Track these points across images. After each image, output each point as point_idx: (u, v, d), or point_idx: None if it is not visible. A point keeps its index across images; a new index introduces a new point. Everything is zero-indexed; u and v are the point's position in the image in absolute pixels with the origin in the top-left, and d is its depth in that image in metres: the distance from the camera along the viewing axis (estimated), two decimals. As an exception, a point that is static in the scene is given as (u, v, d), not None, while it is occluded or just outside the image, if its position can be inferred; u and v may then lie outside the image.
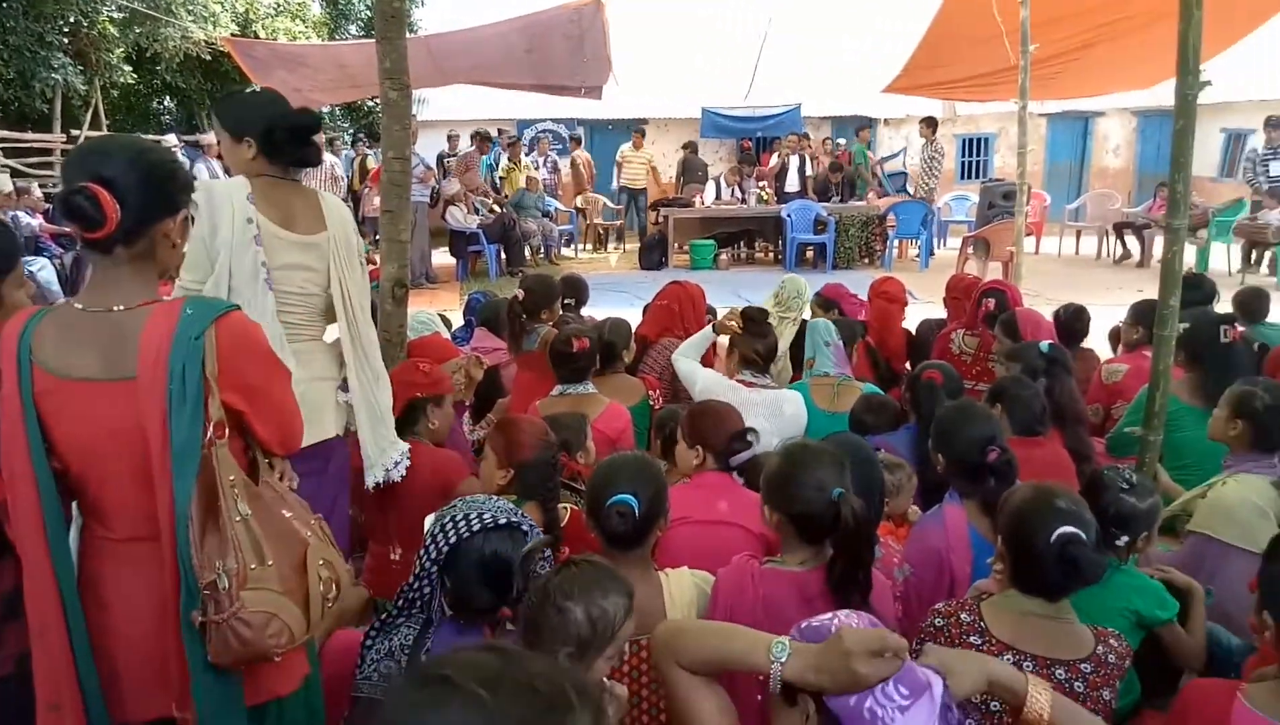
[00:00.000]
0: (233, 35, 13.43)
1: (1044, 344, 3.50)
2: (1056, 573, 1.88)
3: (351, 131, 16.64)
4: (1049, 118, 16.20)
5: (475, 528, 1.79)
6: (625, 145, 14.53)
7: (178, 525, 1.54)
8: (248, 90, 2.73)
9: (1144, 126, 16.55)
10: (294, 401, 1.82)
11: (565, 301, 4.69)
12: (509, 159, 12.82)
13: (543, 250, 12.82)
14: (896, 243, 12.39)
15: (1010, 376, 3.20)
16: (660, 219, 12.80)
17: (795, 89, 15.46)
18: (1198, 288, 4.43)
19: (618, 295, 9.34)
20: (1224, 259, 10.97)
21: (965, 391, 3.39)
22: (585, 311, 5.16)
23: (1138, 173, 16.67)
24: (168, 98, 16.83)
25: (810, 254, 12.44)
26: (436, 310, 5.18)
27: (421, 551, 1.82)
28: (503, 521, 1.81)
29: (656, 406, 3.72)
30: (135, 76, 14.65)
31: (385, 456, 2.64)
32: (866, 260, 12.10)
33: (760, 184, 12.91)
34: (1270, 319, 4.75)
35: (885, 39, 12.55)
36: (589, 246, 14.51)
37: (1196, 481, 2.99)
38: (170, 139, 11.48)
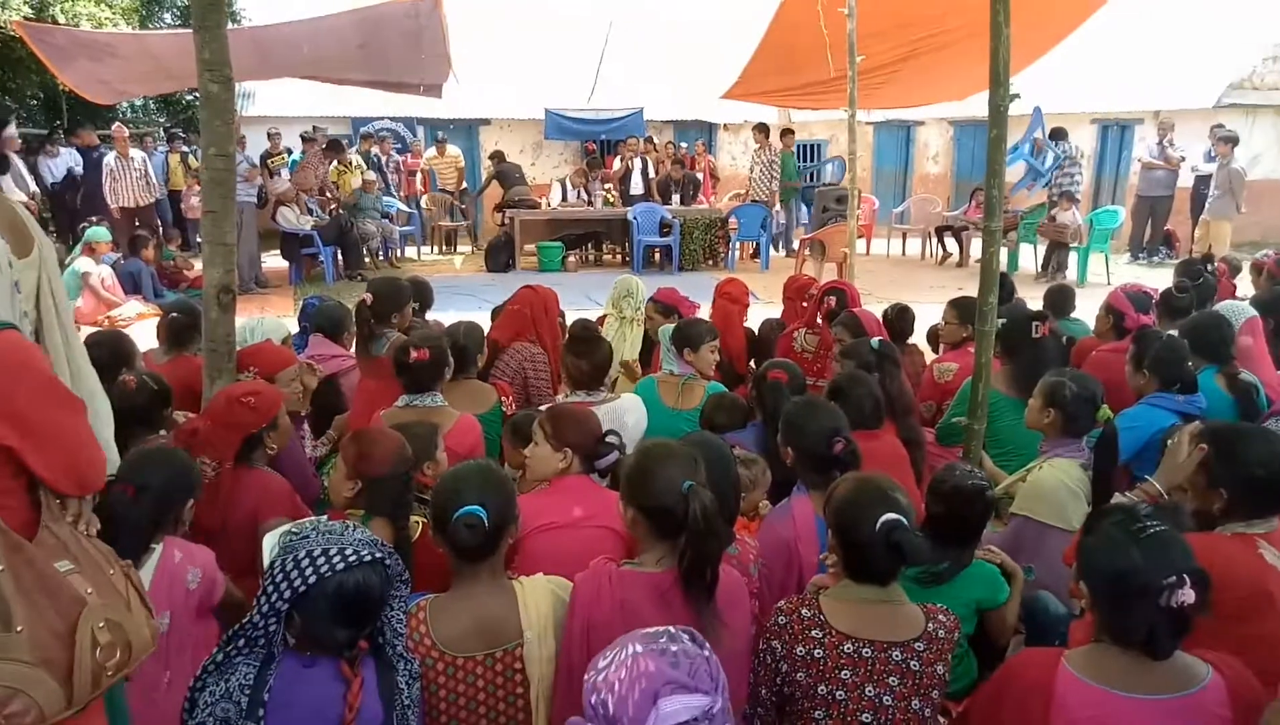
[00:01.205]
0: (26, 19, 12.21)
1: (874, 341, 3.68)
2: (884, 558, 1.98)
3: (167, 127, 15.50)
4: (875, 126, 17.10)
5: (338, 566, 1.66)
6: (430, 151, 14.34)
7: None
8: None
9: (959, 136, 17.76)
10: (88, 433, 1.65)
11: (411, 306, 4.55)
12: (338, 161, 12.27)
13: (382, 253, 12.41)
14: (738, 245, 12.76)
15: (846, 373, 3.34)
16: (506, 220, 12.65)
17: (638, 92, 15.65)
18: (1000, 286, 4.78)
19: (465, 298, 9.15)
20: (1033, 260, 11.94)
21: (807, 388, 3.51)
22: (431, 316, 5.02)
23: (955, 179, 17.87)
24: (-49, 86, 15.15)
25: (657, 256, 12.63)
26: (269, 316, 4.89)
27: (268, 587, 1.67)
28: (366, 557, 1.69)
29: (509, 412, 3.65)
30: (-89, 62, 13.13)
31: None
32: (711, 262, 12.40)
33: (606, 186, 12.99)
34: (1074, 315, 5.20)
35: (724, 45, 12.88)
36: (438, 248, 14.18)
37: (1016, 467, 3.22)
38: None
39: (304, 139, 12.52)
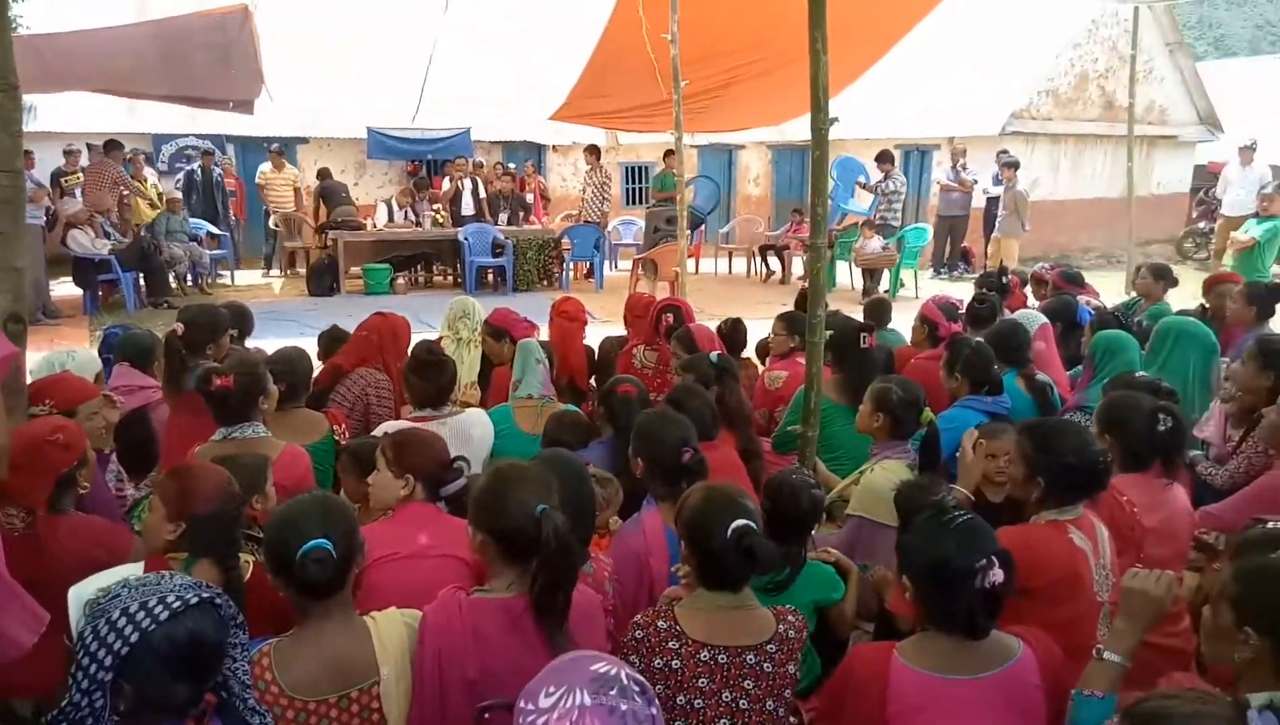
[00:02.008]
0: None
1: (713, 355, 3.78)
2: (736, 564, 2.03)
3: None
4: (699, 149, 17.69)
5: (162, 616, 1.47)
6: (265, 165, 13.33)
7: None
8: None
9: (777, 159, 18.67)
10: None
11: (229, 333, 4.27)
12: (132, 178, 11.32)
13: (190, 278, 11.59)
14: (572, 265, 12.82)
15: (683, 386, 3.41)
16: (329, 242, 12.12)
17: (464, 112, 15.45)
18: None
19: (287, 324, 8.69)
20: (848, 276, 12.67)
21: (651, 402, 3.55)
22: (251, 343, 4.73)
23: (775, 200, 18.75)
24: None
25: (491, 277, 12.48)
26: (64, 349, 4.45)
27: (82, 659, 1.45)
28: (193, 600, 1.51)
29: (342, 441, 3.48)
30: None
31: None
32: (545, 282, 12.38)
33: (435, 207, 12.72)
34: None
35: (551, 67, 12.96)
36: (289, 271, 13.37)
37: (849, 471, 3.39)
38: None
39: (89, 147, 11.47)
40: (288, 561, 1.84)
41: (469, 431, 3.51)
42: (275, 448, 3.01)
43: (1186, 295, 6.97)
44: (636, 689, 1.41)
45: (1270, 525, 2.29)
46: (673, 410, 2.88)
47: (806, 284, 3.59)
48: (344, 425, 3.59)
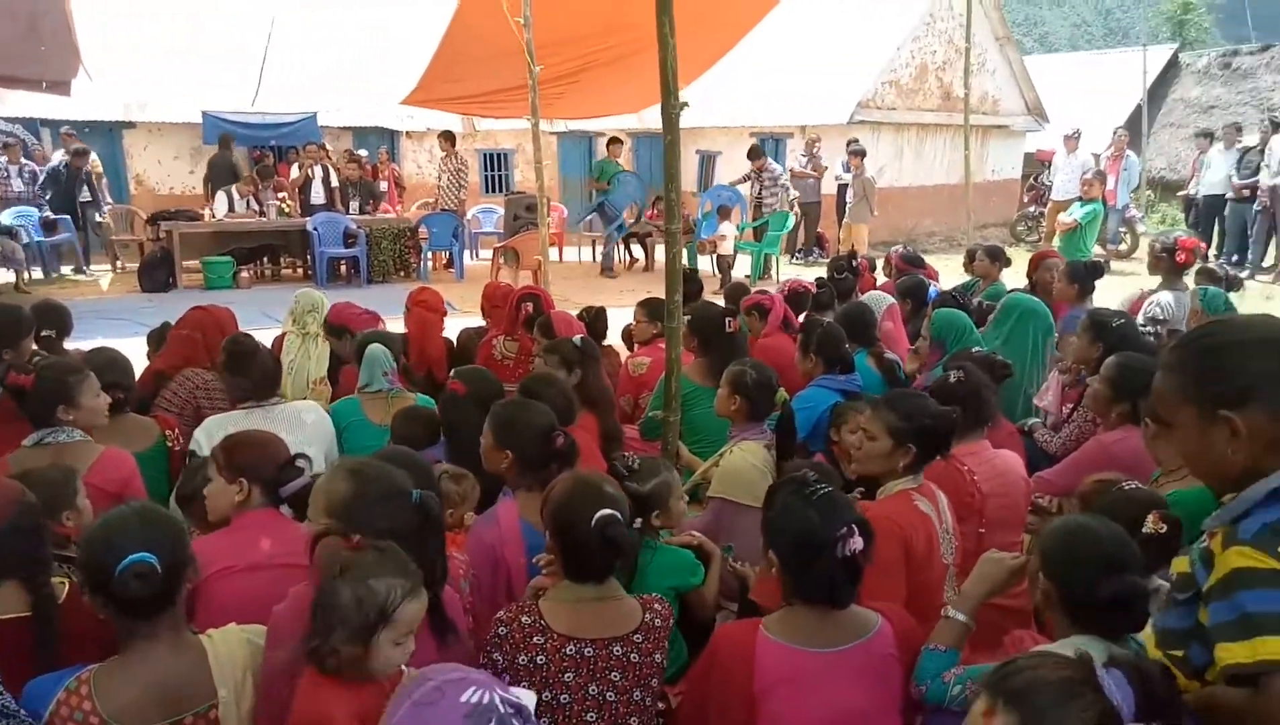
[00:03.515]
0: None
1: (577, 338, 3.74)
2: (600, 555, 1.99)
3: None
4: (559, 136, 17.57)
5: None
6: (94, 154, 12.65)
7: None
8: None
9: (638, 147, 18.74)
10: None
11: (43, 334, 3.91)
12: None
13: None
14: (431, 255, 12.47)
15: (535, 374, 3.35)
16: (162, 234, 11.32)
17: (309, 97, 14.75)
18: (690, 282, 5.10)
19: (118, 323, 8.07)
20: (709, 263, 12.85)
21: (504, 393, 3.46)
22: (71, 344, 4.34)
23: (635, 187, 18.86)
24: None
25: (343, 268, 11.98)
26: None
27: None
28: None
29: (176, 447, 3.23)
30: None
31: None
32: (402, 273, 11.99)
33: (280, 195, 12.07)
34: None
35: (401, 50, 12.53)
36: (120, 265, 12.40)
37: (713, 453, 3.41)
38: None
39: None
40: (105, 579, 1.68)
41: (300, 417, 3.36)
42: (93, 452, 2.80)
43: (1019, 275, 7.43)
44: (513, 711, 1.36)
45: (1127, 486, 2.42)
46: (529, 399, 2.82)
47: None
48: (177, 430, 3.34)
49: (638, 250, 13.72)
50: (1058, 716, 1.27)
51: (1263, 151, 11.94)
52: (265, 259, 12.33)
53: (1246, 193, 12.04)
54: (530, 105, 8.24)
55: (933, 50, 16.73)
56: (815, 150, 14.10)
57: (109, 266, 12.44)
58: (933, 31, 16.62)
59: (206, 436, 3.14)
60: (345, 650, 1.60)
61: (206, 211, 11.71)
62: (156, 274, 10.89)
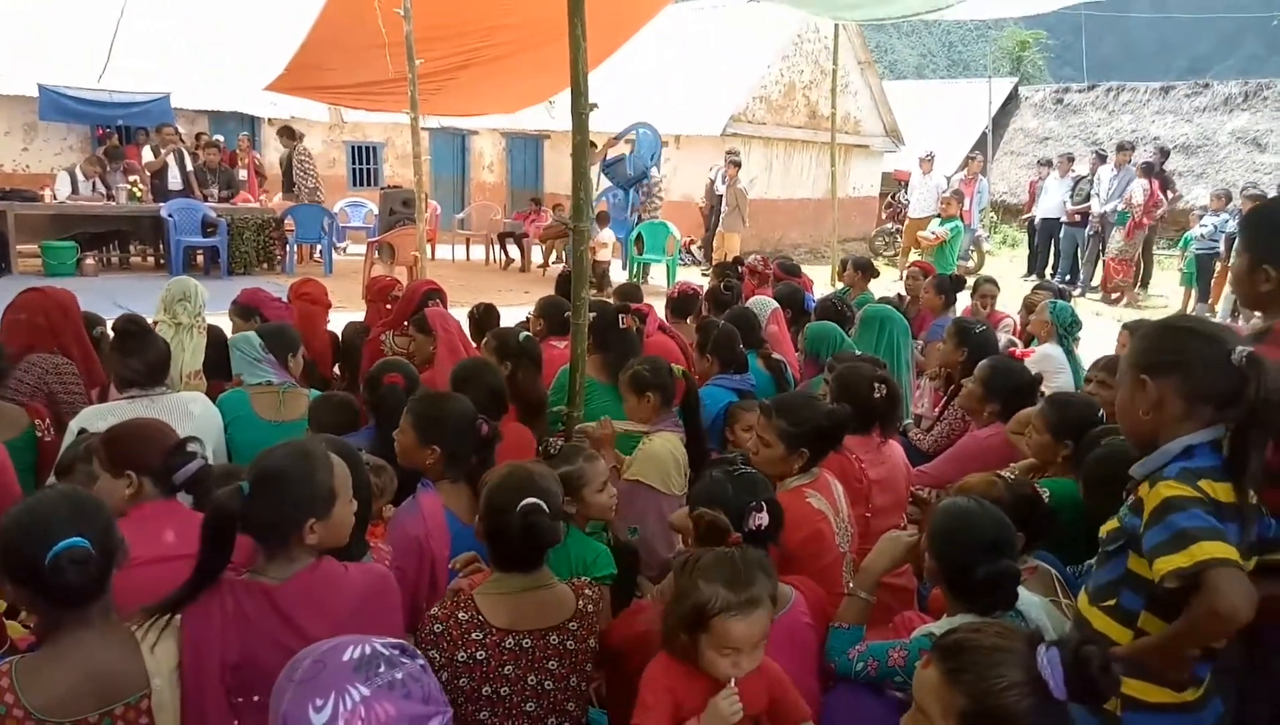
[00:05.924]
0: None
1: (522, 334, 3.74)
2: (523, 542, 2.01)
3: None
4: (431, 132, 17.21)
5: None
6: None
7: None
8: None
9: (511, 147, 18.64)
10: None
11: None
12: None
13: None
14: (297, 247, 12.00)
15: (466, 364, 3.32)
16: (-7, 215, 10.41)
17: (161, 76, 13.89)
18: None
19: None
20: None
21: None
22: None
23: (510, 187, 18.72)
24: None
25: (200, 258, 11.36)
26: None
27: None
28: None
29: (46, 438, 3.01)
30: None
31: None
32: (266, 265, 11.47)
33: (131, 179, 11.32)
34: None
35: (266, 34, 11.97)
36: None
37: (618, 447, 3.46)
38: None
39: None
40: (37, 568, 1.57)
41: (186, 408, 3.19)
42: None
43: (881, 286, 7.87)
44: (396, 650, 1.32)
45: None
46: (451, 392, 2.80)
47: (566, 268, 3.63)
48: (48, 420, 3.12)
49: (514, 250, 13.65)
50: (981, 671, 1.39)
51: (1092, 181, 13.10)
52: (114, 245, 11.53)
53: (1079, 218, 13.16)
54: (410, 99, 8.08)
55: (800, 70, 17.42)
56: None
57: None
58: (800, 52, 17.31)
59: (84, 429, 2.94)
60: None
61: (46, 193, 10.83)
62: (-14, 258, 10.02)
